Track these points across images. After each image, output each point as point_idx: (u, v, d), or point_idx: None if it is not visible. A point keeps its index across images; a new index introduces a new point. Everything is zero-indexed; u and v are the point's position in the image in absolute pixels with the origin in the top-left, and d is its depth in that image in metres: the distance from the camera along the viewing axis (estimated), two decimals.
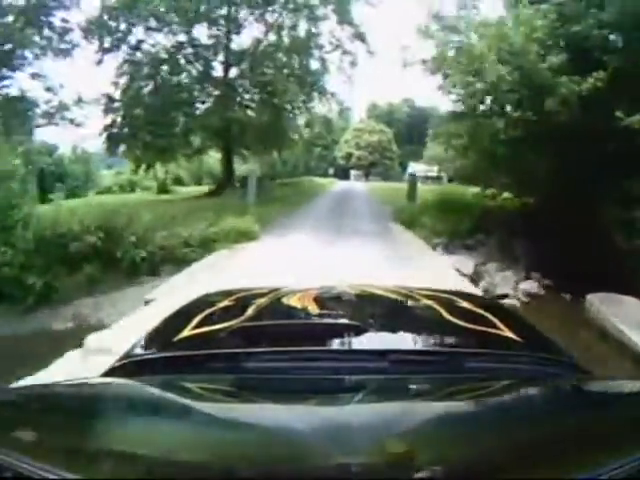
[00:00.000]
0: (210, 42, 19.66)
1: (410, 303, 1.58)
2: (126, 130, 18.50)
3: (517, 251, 9.67)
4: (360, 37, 20.29)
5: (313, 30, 20.11)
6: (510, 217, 10.80)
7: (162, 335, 1.35)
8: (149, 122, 17.68)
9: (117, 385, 1.05)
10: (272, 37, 19.89)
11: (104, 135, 18.99)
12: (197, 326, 1.29)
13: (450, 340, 1.28)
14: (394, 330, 1.33)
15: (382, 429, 0.77)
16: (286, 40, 19.79)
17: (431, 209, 12.53)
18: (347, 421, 0.81)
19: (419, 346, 1.21)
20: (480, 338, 1.25)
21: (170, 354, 1.14)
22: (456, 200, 12.38)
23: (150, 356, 1.18)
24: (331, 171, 54.58)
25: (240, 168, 23.24)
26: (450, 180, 57.82)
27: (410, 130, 71.08)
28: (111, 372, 1.12)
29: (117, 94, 18.93)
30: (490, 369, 1.07)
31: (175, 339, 1.22)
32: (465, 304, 1.55)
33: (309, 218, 13.58)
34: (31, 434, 0.75)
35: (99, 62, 18.84)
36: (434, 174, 62.20)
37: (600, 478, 0.58)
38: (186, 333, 1.24)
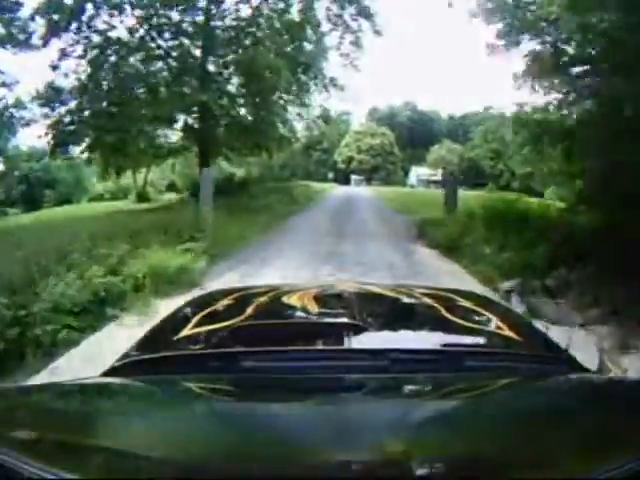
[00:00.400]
0: (184, 23, 16.01)
1: (410, 301, 1.56)
2: (73, 127, 14.78)
3: (618, 298, 5.91)
4: (364, 13, 16.67)
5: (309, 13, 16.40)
6: (594, 239, 7.04)
7: (162, 334, 1.34)
8: (98, 115, 13.99)
9: (117, 385, 1.05)
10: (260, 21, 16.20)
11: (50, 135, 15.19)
12: (197, 325, 1.28)
13: (449, 338, 1.24)
14: (394, 329, 1.33)
15: (382, 428, 0.77)
16: (277, 25, 16.11)
17: (478, 226, 8.38)
18: (347, 420, 0.81)
19: (419, 345, 1.17)
20: (479, 336, 1.26)
21: (170, 354, 1.11)
22: (511, 211, 8.34)
23: (150, 356, 1.13)
24: (331, 175, 50.72)
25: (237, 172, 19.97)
26: (443, 182, 54.20)
27: (412, 134, 67.80)
28: (111, 372, 1.10)
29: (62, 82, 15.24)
30: (489, 367, 1.06)
31: (175, 338, 1.22)
32: (464, 302, 1.53)
33: (295, 240, 9.64)
34: (31, 434, 0.73)
35: (44, 44, 15.34)
36: (438, 177, 58.66)
37: (600, 478, 0.58)
38: (186, 332, 1.24)
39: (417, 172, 62.20)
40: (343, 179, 58.59)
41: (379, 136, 58.03)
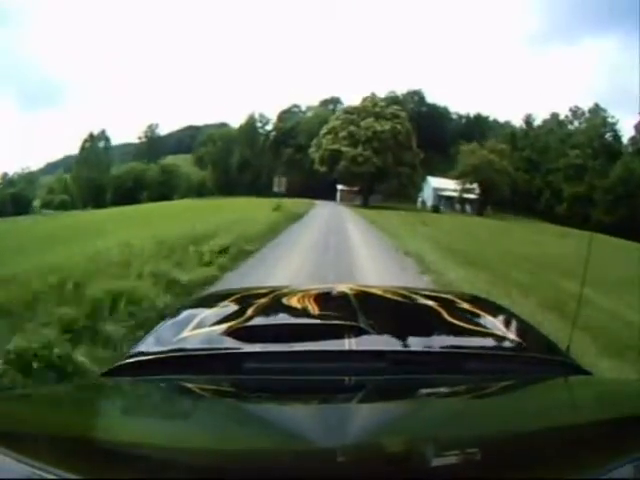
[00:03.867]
0: None
1: (410, 303, 1.55)
2: None
3: None
4: None
5: None
6: None
7: (162, 335, 1.31)
8: None
9: (117, 385, 1.06)
10: None
11: None
12: (197, 326, 1.27)
13: (449, 341, 1.23)
14: (394, 331, 1.26)
15: (381, 429, 0.78)
16: None
17: None
18: (346, 421, 0.82)
19: (419, 347, 1.15)
20: (479, 339, 1.25)
21: (170, 354, 1.11)
22: None
23: (150, 356, 1.13)
24: (277, 187, 20.68)
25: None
26: (484, 203, 33.91)
27: (420, 132, 48.02)
28: (111, 372, 1.09)
29: None
30: (489, 370, 1.06)
31: (175, 339, 1.20)
32: (465, 305, 1.53)
33: None
34: (31, 434, 0.74)
35: None
36: (474, 195, 38.87)
37: (600, 478, 0.59)
38: (186, 333, 1.23)
39: (433, 184, 42.18)
40: (321, 190, 38.10)
41: (388, 119, 35.66)
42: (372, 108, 34.80)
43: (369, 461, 0.65)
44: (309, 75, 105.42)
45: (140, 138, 68.56)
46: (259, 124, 58.85)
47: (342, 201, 39.70)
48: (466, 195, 39.37)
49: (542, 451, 0.67)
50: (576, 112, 60.52)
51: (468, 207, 41.96)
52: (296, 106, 60.76)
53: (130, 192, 52.80)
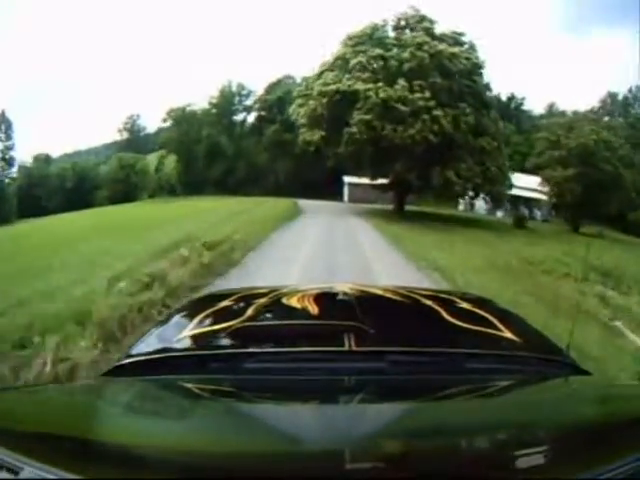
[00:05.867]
0: None
1: (410, 303, 1.54)
2: None
3: None
4: None
5: None
6: None
7: (162, 335, 1.33)
8: None
9: (117, 385, 1.06)
10: None
11: None
12: (197, 326, 1.28)
13: (449, 340, 1.22)
14: (394, 331, 1.27)
15: (381, 429, 0.79)
16: None
17: None
18: (346, 421, 0.83)
19: (418, 347, 1.14)
20: (479, 339, 1.24)
21: (170, 354, 1.12)
22: None
23: (150, 356, 1.13)
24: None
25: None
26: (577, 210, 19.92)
27: None
28: (111, 372, 1.11)
29: None
30: (489, 370, 1.06)
31: (175, 339, 1.21)
32: (464, 305, 1.52)
33: None
34: (31, 434, 0.75)
35: None
36: (539, 195, 23.85)
37: (600, 478, 0.59)
38: (186, 333, 1.23)
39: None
40: (320, 184, 24.03)
41: (450, 45, 17.57)
42: (418, 23, 18.10)
43: (369, 461, 0.65)
44: (310, 39, 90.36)
45: (120, 131, 58.34)
46: (237, 98, 45.06)
47: (352, 202, 25.67)
48: (535, 196, 25.43)
49: (542, 451, 0.67)
50: (636, 95, 48.21)
51: (538, 212, 28.23)
52: (289, 77, 46.76)
53: (73, 194, 42.93)
